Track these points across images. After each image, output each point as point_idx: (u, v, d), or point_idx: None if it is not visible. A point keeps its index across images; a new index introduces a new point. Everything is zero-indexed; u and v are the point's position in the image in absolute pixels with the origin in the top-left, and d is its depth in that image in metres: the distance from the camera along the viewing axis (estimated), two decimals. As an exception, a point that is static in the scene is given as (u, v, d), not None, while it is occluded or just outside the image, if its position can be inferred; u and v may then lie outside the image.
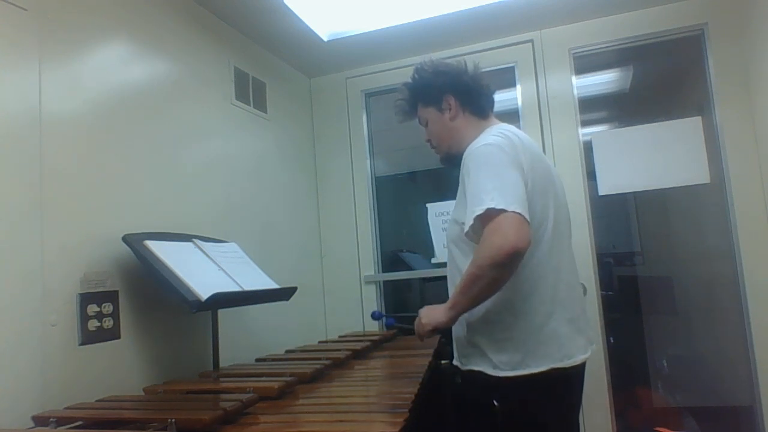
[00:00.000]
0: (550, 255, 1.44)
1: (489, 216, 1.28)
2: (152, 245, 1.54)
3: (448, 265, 1.61)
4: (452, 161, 1.64)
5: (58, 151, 1.41)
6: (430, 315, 1.48)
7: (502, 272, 1.30)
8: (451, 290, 1.54)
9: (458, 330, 1.54)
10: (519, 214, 1.27)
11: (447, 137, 1.63)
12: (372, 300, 2.77)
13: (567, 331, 1.44)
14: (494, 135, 1.46)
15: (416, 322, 1.53)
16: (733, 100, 2.32)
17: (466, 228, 1.35)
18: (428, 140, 1.70)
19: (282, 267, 2.35)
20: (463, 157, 1.48)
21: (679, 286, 3.13)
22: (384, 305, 2.82)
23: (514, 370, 1.39)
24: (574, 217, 1.60)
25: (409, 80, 1.68)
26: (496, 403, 1.42)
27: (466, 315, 1.46)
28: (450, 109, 1.61)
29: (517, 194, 1.31)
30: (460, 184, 1.53)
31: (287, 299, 1.91)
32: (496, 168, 1.36)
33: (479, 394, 1.48)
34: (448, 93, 1.60)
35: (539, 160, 1.50)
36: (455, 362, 1.59)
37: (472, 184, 1.37)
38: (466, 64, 1.63)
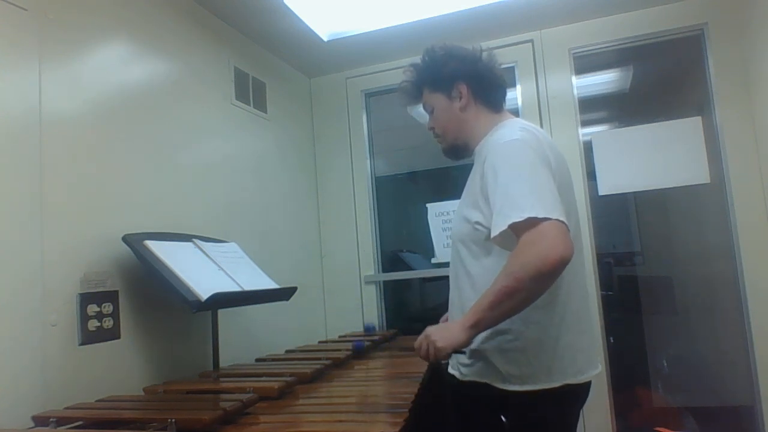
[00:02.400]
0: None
1: (529, 224, 1.15)
2: (152, 245, 1.54)
3: (451, 264, 1.49)
4: (457, 153, 1.53)
5: (58, 151, 1.41)
6: (447, 337, 1.26)
7: (544, 285, 1.17)
8: (454, 291, 1.47)
9: None
10: (562, 222, 1.15)
11: (455, 128, 1.48)
12: (372, 300, 2.77)
13: (581, 345, 1.35)
14: (518, 130, 1.32)
15: (423, 344, 1.30)
16: (733, 100, 2.32)
17: (495, 233, 1.21)
18: (431, 128, 1.54)
19: (282, 267, 2.35)
20: (484, 151, 1.36)
21: (679, 286, 3.13)
22: (384, 305, 2.82)
23: (524, 384, 1.29)
24: (575, 217, 1.59)
25: (418, 61, 1.51)
26: (504, 419, 1.36)
27: None
28: (461, 98, 1.45)
29: (556, 200, 1.19)
30: (471, 178, 1.42)
31: (287, 299, 1.91)
32: (529, 168, 1.23)
33: (482, 407, 1.41)
34: (460, 80, 1.44)
35: (561, 160, 1.39)
36: (451, 370, 1.46)
37: (502, 185, 1.23)
38: (481, 52, 1.47)
